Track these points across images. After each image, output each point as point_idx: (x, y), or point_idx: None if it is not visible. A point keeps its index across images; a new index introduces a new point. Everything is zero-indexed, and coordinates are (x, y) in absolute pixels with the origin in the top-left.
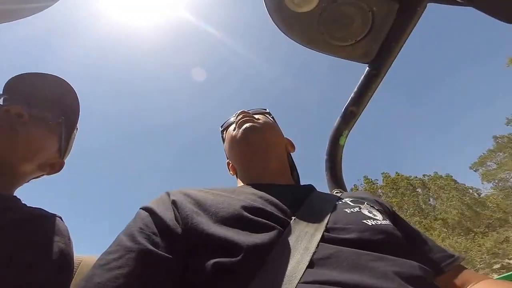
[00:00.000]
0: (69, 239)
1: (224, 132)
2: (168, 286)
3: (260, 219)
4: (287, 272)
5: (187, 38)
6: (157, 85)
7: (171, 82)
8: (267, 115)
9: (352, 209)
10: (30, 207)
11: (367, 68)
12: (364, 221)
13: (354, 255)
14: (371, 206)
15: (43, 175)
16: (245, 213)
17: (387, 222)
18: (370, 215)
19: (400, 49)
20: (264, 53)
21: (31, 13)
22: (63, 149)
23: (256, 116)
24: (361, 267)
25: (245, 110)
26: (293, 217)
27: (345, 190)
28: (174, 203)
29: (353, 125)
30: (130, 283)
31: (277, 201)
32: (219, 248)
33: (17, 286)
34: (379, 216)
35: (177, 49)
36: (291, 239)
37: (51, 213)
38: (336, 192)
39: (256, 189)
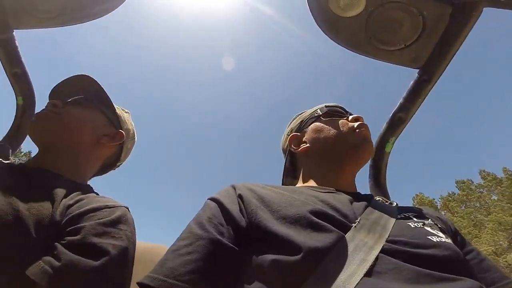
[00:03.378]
0: (134, 228)
1: (326, 116)
2: (231, 274)
3: (320, 221)
4: (340, 281)
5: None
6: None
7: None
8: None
9: (415, 224)
10: (101, 196)
11: (417, 73)
12: (429, 237)
13: (414, 271)
14: (434, 224)
15: (107, 151)
16: (307, 214)
17: (449, 240)
18: (434, 232)
19: (454, 55)
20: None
21: (102, 14)
22: (113, 119)
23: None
24: (420, 283)
25: (362, 117)
26: (353, 224)
27: (388, 198)
28: (240, 197)
29: (401, 132)
30: (199, 268)
31: (339, 206)
32: (279, 246)
33: (86, 270)
34: (441, 234)
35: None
36: (349, 247)
37: (119, 204)
38: (377, 199)
39: (318, 192)
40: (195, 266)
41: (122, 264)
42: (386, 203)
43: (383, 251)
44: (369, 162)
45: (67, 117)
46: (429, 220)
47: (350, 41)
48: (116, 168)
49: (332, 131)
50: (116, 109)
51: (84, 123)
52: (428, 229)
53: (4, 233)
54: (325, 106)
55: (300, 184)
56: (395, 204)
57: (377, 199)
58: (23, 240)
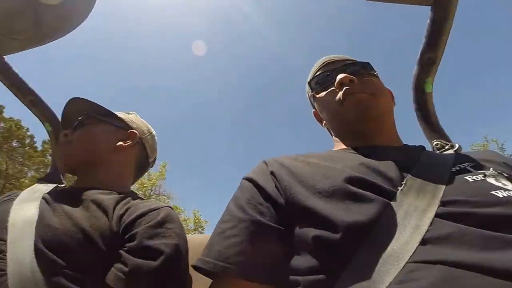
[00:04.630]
0: (181, 224)
1: (316, 93)
2: (276, 252)
3: (362, 191)
4: (393, 252)
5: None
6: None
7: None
8: (373, 76)
9: (475, 177)
10: (145, 200)
11: (430, 11)
12: (493, 192)
13: (480, 235)
14: (499, 173)
15: (130, 153)
16: (344, 185)
17: None
18: (499, 184)
19: None
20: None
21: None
22: (120, 125)
23: (363, 83)
24: (488, 249)
25: (349, 77)
26: (400, 188)
27: (447, 140)
28: (272, 173)
29: (436, 71)
30: (246, 249)
31: (382, 168)
32: (318, 222)
33: (150, 270)
34: (509, 186)
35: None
36: (399, 215)
37: (162, 205)
38: (435, 144)
39: (357, 153)
40: (242, 248)
41: (177, 259)
42: (444, 149)
43: (438, 215)
44: (413, 107)
45: (77, 142)
46: (491, 169)
47: None
48: (153, 165)
49: (325, 112)
50: (118, 114)
51: (94, 139)
52: (492, 181)
53: (80, 250)
54: (308, 83)
55: (339, 147)
56: (456, 148)
57: (435, 143)
58: (95, 253)
